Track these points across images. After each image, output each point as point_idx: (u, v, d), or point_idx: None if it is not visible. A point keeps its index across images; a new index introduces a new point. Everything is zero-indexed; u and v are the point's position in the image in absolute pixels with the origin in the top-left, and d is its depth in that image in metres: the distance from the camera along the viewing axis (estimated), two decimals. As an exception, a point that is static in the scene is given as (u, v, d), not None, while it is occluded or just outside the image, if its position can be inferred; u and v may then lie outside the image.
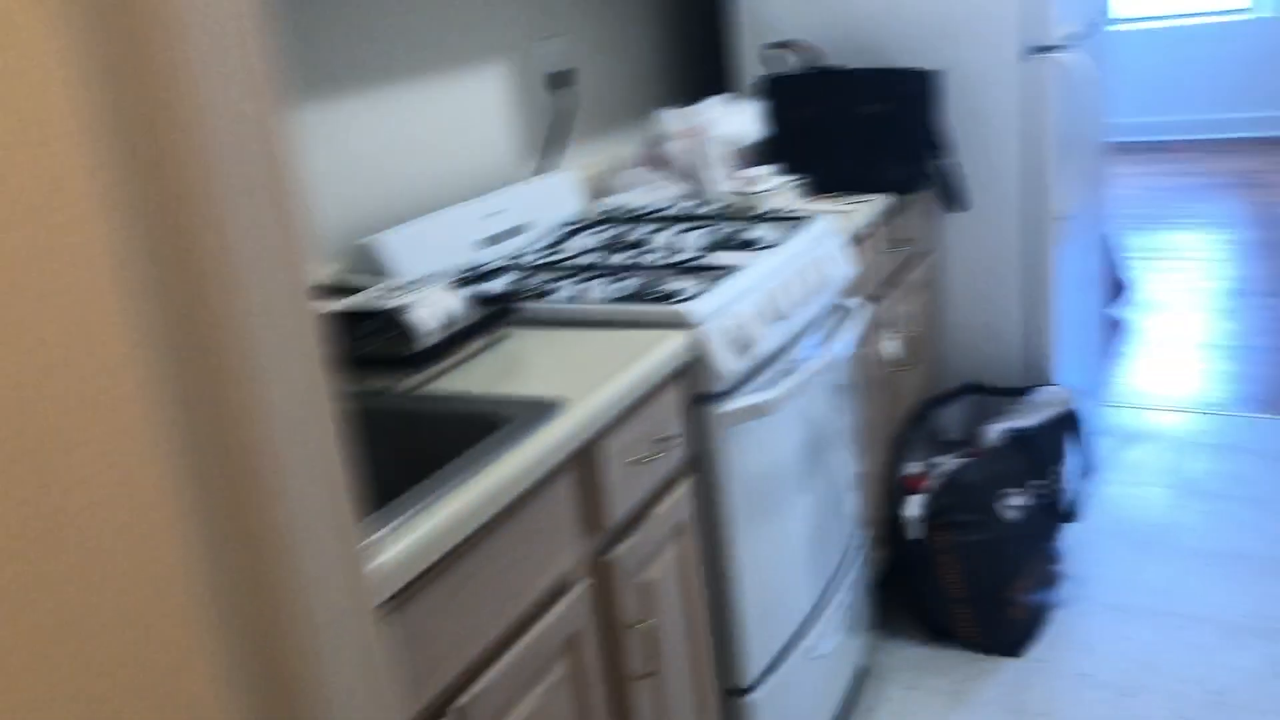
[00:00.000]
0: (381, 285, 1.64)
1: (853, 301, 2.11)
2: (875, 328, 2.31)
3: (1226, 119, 6.43)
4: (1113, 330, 3.89)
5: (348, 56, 1.85)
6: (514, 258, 1.98)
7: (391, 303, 1.53)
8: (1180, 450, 3.07)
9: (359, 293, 1.62)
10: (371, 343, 1.53)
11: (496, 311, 1.61)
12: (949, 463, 2.42)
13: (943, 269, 2.65)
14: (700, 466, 1.64)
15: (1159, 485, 2.90)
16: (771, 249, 1.88)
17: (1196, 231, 4.97)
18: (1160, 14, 6.54)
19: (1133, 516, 2.76)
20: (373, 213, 1.91)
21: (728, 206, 2.21)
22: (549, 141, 2.36)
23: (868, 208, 2.25)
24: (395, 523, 1.07)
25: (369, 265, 1.81)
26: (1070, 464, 2.52)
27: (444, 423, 1.37)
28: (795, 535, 1.90)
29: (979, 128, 2.50)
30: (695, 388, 1.60)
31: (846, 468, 2.14)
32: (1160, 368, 3.61)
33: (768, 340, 1.73)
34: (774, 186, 2.24)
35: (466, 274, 1.87)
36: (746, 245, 1.93)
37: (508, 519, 1.21)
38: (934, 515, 2.30)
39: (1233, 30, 6.36)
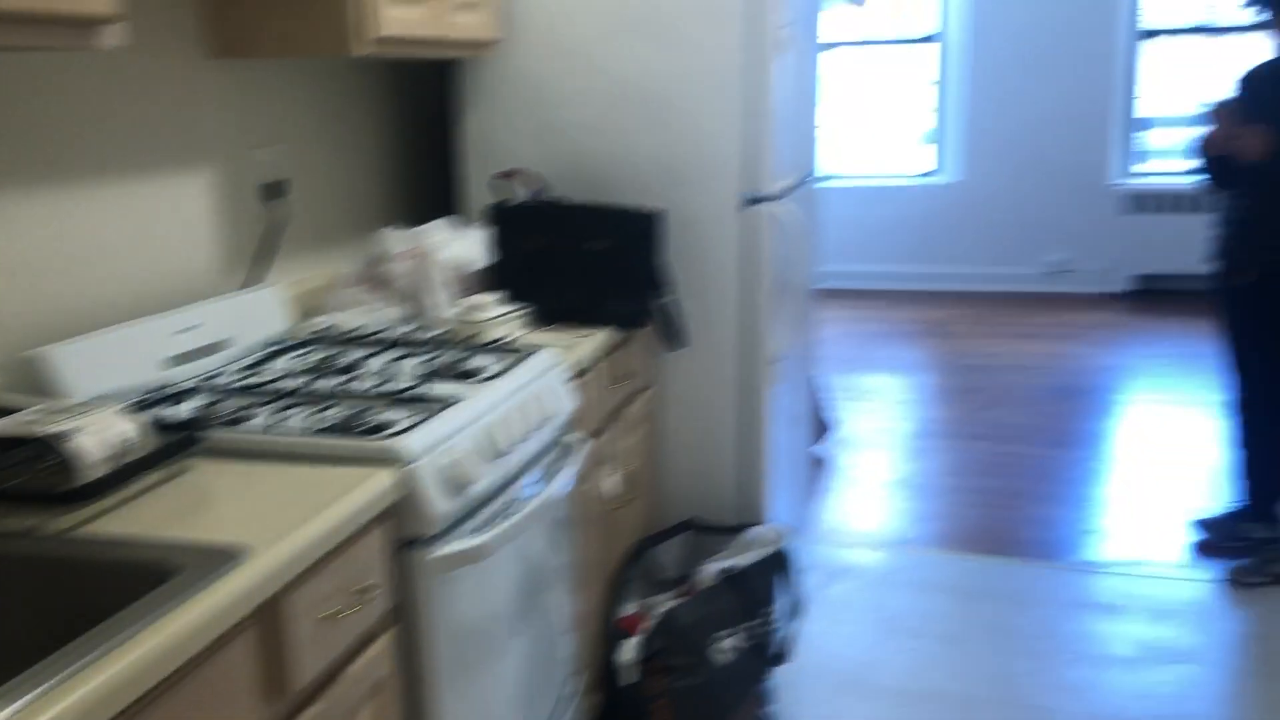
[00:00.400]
0: (43, 407, 1.42)
1: (574, 436, 2.06)
2: (595, 463, 2.27)
3: (919, 272, 7.03)
4: (817, 468, 4.05)
5: (7, 150, 1.65)
6: (207, 379, 1.80)
7: (50, 428, 1.33)
8: (880, 587, 3.19)
9: (12, 415, 1.39)
10: (20, 474, 1.31)
11: (178, 440, 1.43)
12: (665, 603, 2.39)
13: (662, 405, 2.66)
14: (403, 617, 1.51)
15: (861, 623, 2.99)
16: (493, 380, 1.81)
17: (892, 375, 5.33)
18: (863, 173, 7.14)
19: (837, 655, 2.82)
20: (42, 323, 1.68)
21: (449, 333, 2.13)
22: (258, 254, 2.20)
23: (591, 341, 2.22)
24: (22, 700, 0.88)
25: (33, 383, 1.59)
26: (781, 604, 2.54)
27: (101, 572, 1.18)
28: (506, 686, 1.78)
29: (700, 269, 2.56)
30: (402, 531, 1.48)
31: (562, 610, 2.05)
32: (860, 505, 3.78)
33: (485, 479, 1.64)
34: (498, 315, 2.18)
35: (149, 396, 1.67)
36: (467, 375, 1.84)
37: (171, 689, 1.03)
38: (648, 659, 2.24)
39: (924, 191, 7.02)
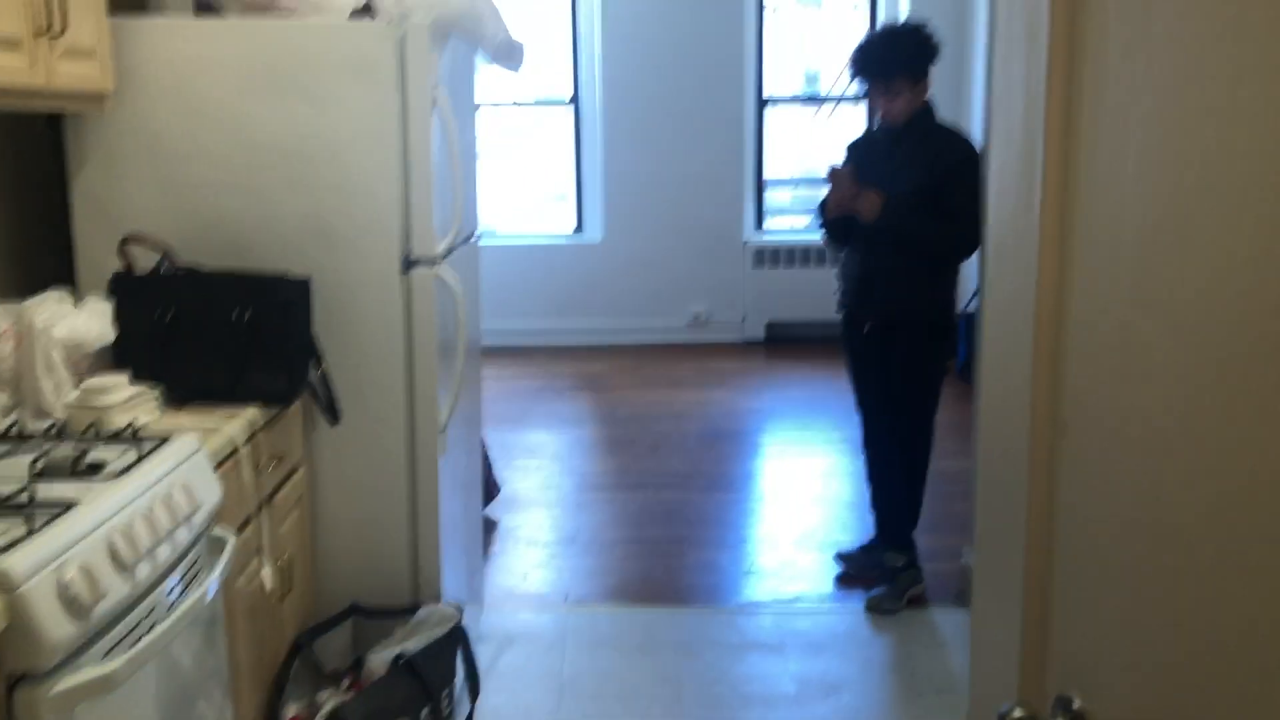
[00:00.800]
0: None
1: (219, 530, 1.86)
2: (246, 556, 2.06)
3: (573, 327, 7.17)
4: (487, 531, 3.97)
5: None
6: None
7: None
8: (555, 650, 3.15)
9: None
10: None
11: None
12: (332, 699, 2.21)
13: (319, 485, 2.49)
14: (17, 771, 1.27)
15: (539, 690, 2.93)
16: (120, 476, 1.59)
17: (552, 431, 5.37)
18: (514, 231, 7.20)
19: (517, 726, 2.74)
20: None
21: (65, 424, 1.86)
22: None
23: (235, 422, 2.03)
24: None
25: None
26: (460, 682, 2.43)
27: None
28: (150, 828, 1.55)
29: (359, 337, 2.42)
30: (12, 666, 1.25)
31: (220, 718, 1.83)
32: (529, 566, 3.74)
33: (114, 593, 1.43)
34: (125, 398, 1.94)
35: None
36: (88, 472, 1.61)
37: None
38: (317, 764, 2.06)
39: (567, 249, 7.18)
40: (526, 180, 7.51)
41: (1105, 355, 0.84)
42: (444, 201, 2.55)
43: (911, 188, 3.26)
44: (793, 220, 7.46)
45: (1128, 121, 0.79)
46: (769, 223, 7.33)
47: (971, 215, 3.24)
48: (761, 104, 7.18)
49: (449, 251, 2.57)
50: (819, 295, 6.90)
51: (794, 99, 7.41)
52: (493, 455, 4.39)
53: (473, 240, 3.02)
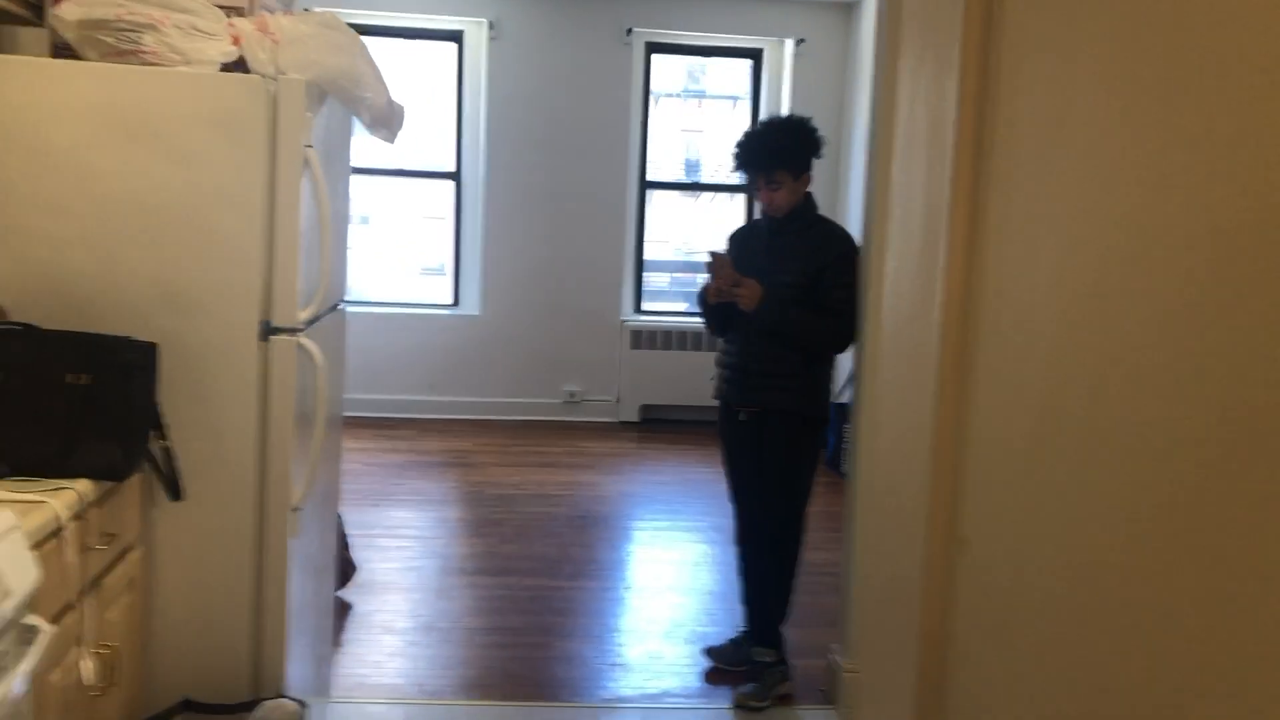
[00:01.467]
0: None
1: (36, 618, 1.67)
2: (65, 645, 1.86)
3: (441, 400, 6.99)
4: (340, 616, 3.76)
5: None
6: None
7: None
8: (406, 747, 2.96)
9: None
10: None
11: None
12: (153, 808, 2.00)
13: (156, 567, 2.29)
14: None
15: (386, 791, 2.73)
16: (-86, 560, 1.40)
17: (415, 509, 5.17)
18: (380, 299, 7.02)
19: (360, 834, 2.54)
20: None
21: None
22: None
23: (62, 497, 1.85)
24: None
25: None
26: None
27: None
28: None
29: (209, 407, 2.25)
30: None
31: (9, 844, 1.62)
32: (383, 655, 3.54)
33: (-109, 696, 1.24)
34: (-67, 467, 1.74)
35: None
36: (-123, 553, 1.42)
37: None
38: None
39: (443, 321, 7.04)
40: (403, 251, 7.37)
41: (1011, 474, 0.79)
42: (310, 268, 2.42)
43: (790, 279, 3.26)
44: (671, 304, 7.49)
45: (1040, 227, 0.75)
46: (647, 305, 7.33)
47: (849, 309, 3.27)
48: (644, 187, 7.23)
49: (313, 320, 2.43)
50: (695, 380, 6.93)
51: (676, 185, 7.49)
52: (350, 534, 4.19)
53: (338, 308, 2.88)
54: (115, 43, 2.23)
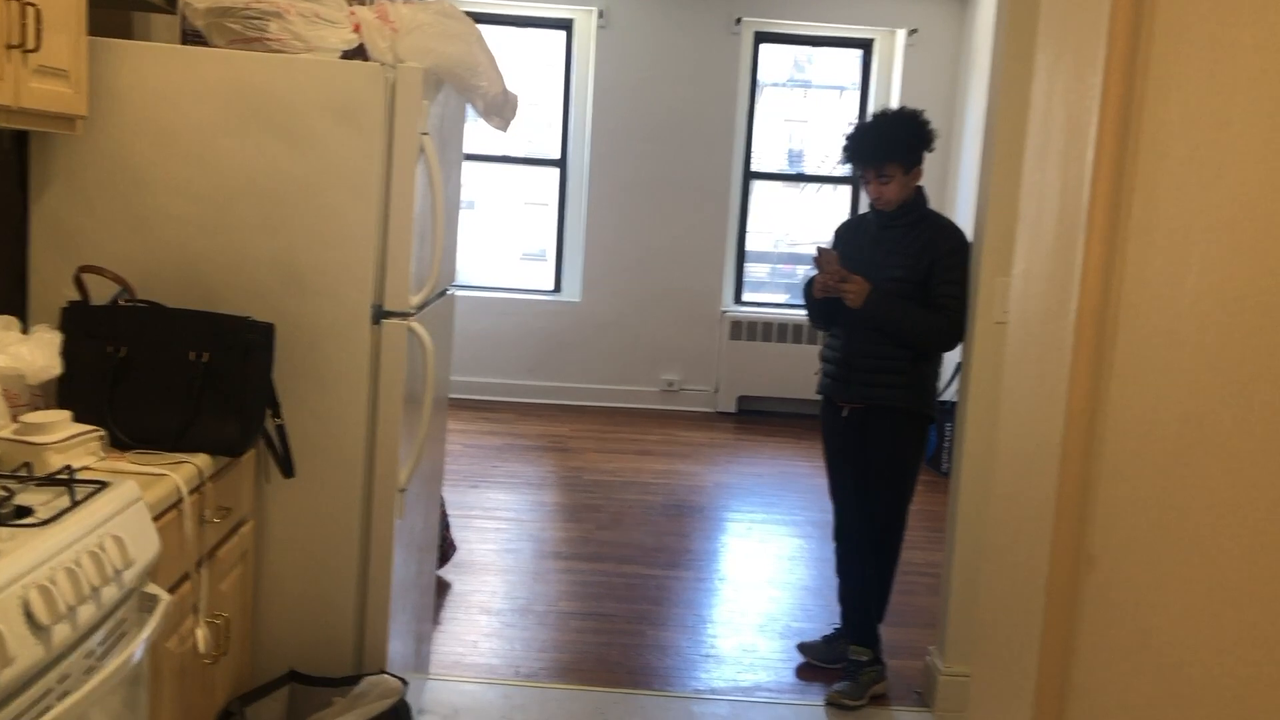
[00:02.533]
0: None
1: (153, 586, 1.73)
2: (181, 614, 1.93)
3: (542, 385, 7.06)
4: (439, 595, 3.83)
5: None
6: None
7: None
8: (500, 727, 3.00)
9: None
10: None
11: None
12: (259, 774, 2.06)
13: (265, 542, 2.35)
14: None
15: (481, 770, 2.78)
16: (47, 524, 1.46)
17: (512, 491, 5.23)
18: (483, 284, 7.12)
19: (455, 811, 2.59)
20: None
21: (-5, 461, 1.73)
22: None
23: (182, 471, 1.91)
24: None
25: None
26: (395, 763, 2.29)
27: None
28: None
29: (322, 389, 2.31)
30: (-104, 741, 1.12)
31: (127, 803, 1.69)
32: (479, 636, 3.59)
33: (25, 656, 1.30)
34: (66, 437, 1.82)
35: None
36: (14, 516, 1.48)
37: None
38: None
39: (544, 306, 7.10)
40: (508, 236, 7.45)
41: (1147, 490, 0.76)
42: (422, 253, 2.46)
43: (898, 274, 3.20)
44: (772, 295, 7.43)
45: (1191, 233, 0.72)
46: (748, 295, 7.29)
47: (958, 306, 3.20)
48: (748, 177, 7.18)
49: (424, 305, 2.47)
50: (794, 372, 6.87)
51: (779, 175, 7.42)
52: (450, 514, 4.26)
53: (447, 294, 2.92)
54: (242, 29, 2.29)
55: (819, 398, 3.46)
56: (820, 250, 3.24)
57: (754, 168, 7.20)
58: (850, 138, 3.28)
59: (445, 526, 4.00)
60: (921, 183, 3.30)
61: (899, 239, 3.25)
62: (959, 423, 3.28)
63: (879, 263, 3.24)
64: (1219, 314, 0.68)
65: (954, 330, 3.19)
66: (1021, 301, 1.04)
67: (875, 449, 3.29)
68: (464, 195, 7.06)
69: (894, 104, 6.70)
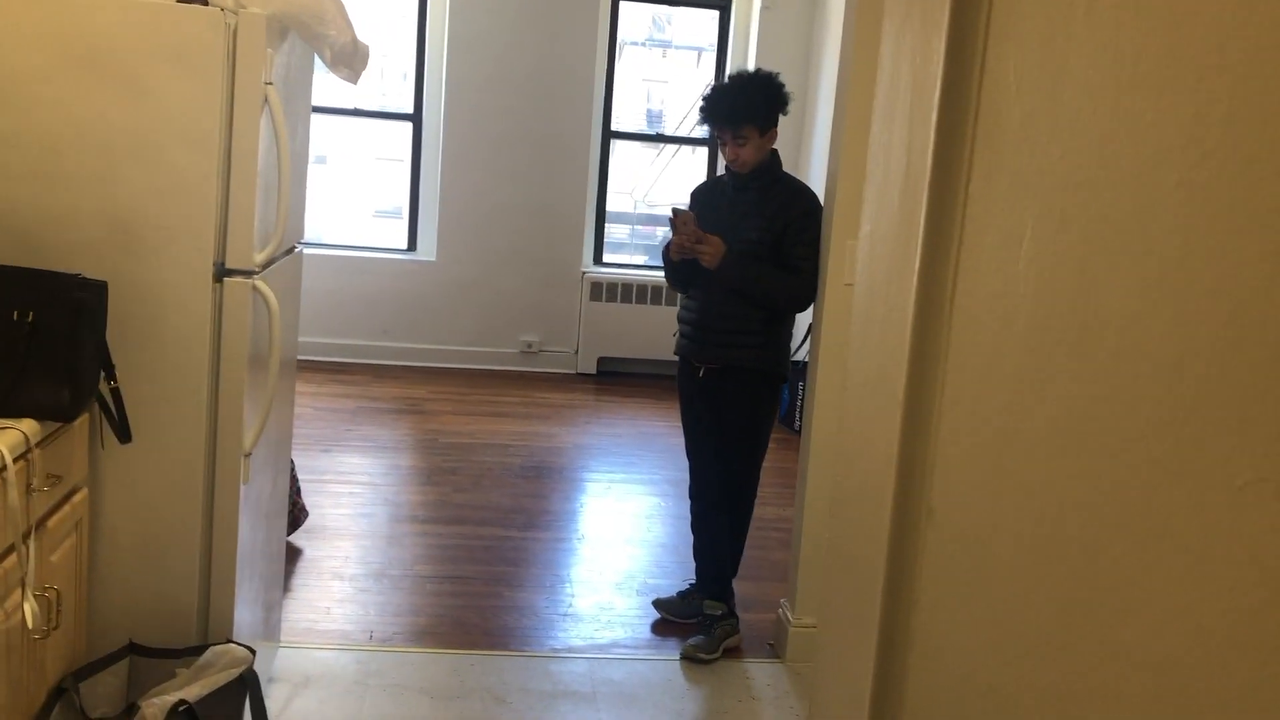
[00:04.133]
0: None
1: (-24, 561, 1.63)
2: (7, 588, 1.83)
3: (396, 347, 6.93)
4: (289, 562, 3.73)
5: None
6: None
7: None
8: (354, 694, 2.96)
9: None
10: None
11: None
12: (97, 752, 1.98)
13: (102, 510, 2.24)
14: None
15: (334, 737, 2.73)
16: None
17: (368, 455, 5.14)
18: (335, 242, 6.93)
19: (307, 779, 2.54)
20: None
21: None
22: None
23: (7, 437, 1.80)
24: None
25: None
26: (244, 734, 2.23)
27: None
28: None
29: (160, 350, 2.20)
30: None
31: (-51, 788, 1.59)
32: (330, 602, 3.53)
33: None
34: None
35: None
36: None
37: None
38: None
39: (399, 266, 6.95)
40: (360, 193, 7.26)
41: (983, 448, 0.78)
42: (267, 209, 2.37)
43: (754, 236, 3.25)
44: (632, 256, 7.46)
45: (1024, 200, 0.74)
46: (608, 257, 7.29)
47: (811, 268, 3.27)
48: (608, 136, 7.16)
49: (269, 263, 2.38)
50: (653, 333, 6.93)
51: (639, 135, 7.43)
52: (301, 479, 4.15)
53: (295, 251, 2.82)
54: (66, -33, 2.14)
55: (676, 359, 3.49)
56: (676, 211, 3.25)
57: (614, 127, 7.17)
58: (707, 99, 3.30)
59: (296, 492, 3.90)
60: (776, 146, 3.34)
61: (754, 201, 3.29)
62: (810, 382, 3.36)
63: (734, 225, 3.28)
64: (1050, 277, 0.71)
65: (807, 291, 3.26)
66: (868, 263, 1.06)
67: (730, 409, 3.35)
68: (314, 150, 6.84)
69: (750, 66, 6.78)
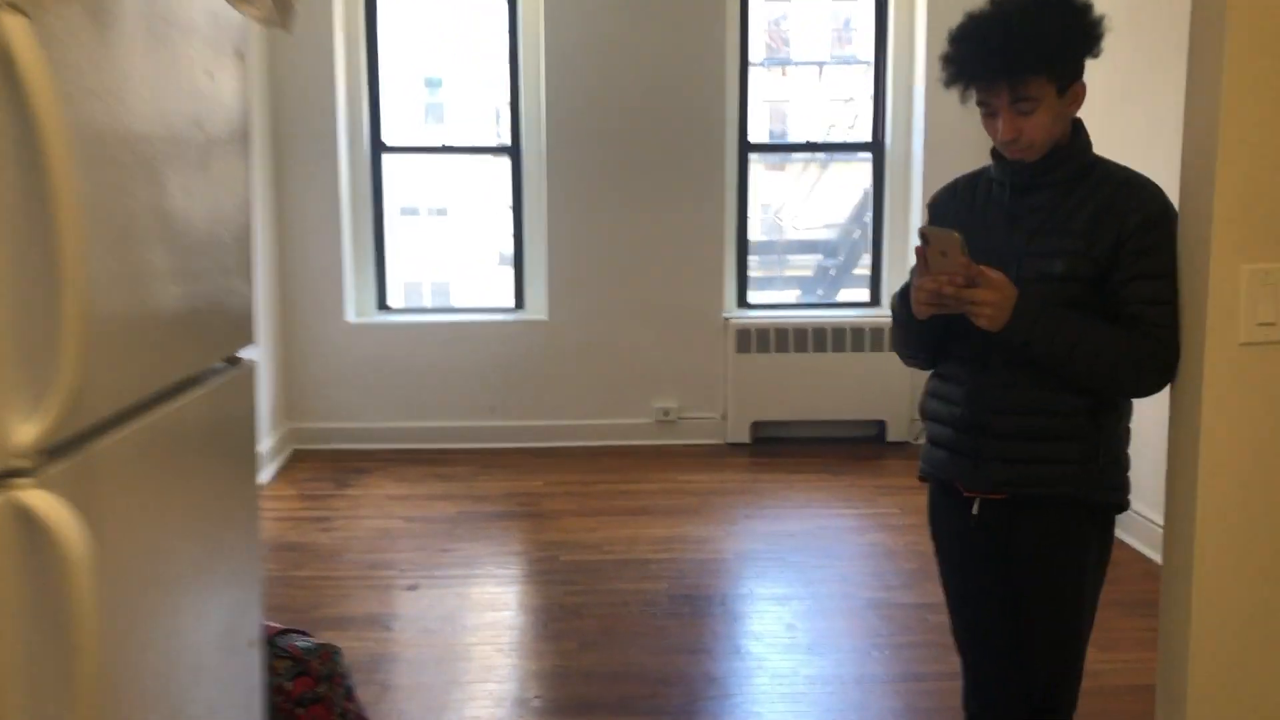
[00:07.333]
0: None
1: None
2: None
3: (502, 427, 5.71)
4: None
5: None
6: None
7: None
8: None
9: None
10: None
11: None
12: None
13: None
14: None
15: None
16: None
17: (463, 591, 3.88)
18: (434, 306, 5.76)
19: None
20: None
21: None
22: None
23: None
24: None
25: None
26: None
27: None
28: None
29: None
30: None
31: None
32: None
33: None
34: None
35: None
36: None
37: None
38: None
39: (504, 329, 5.74)
40: (450, 242, 6.09)
41: None
42: (28, 314, 1.08)
43: (1059, 269, 1.87)
44: (782, 293, 6.09)
45: None
46: (754, 297, 5.91)
47: (1169, 318, 1.84)
48: (744, 150, 5.80)
49: (71, 441, 1.09)
50: (815, 388, 5.53)
51: (785, 145, 6.07)
52: (383, 633, 2.88)
53: (222, 372, 1.54)
54: None
55: (922, 477, 2.11)
56: (928, 234, 1.88)
57: (750, 139, 5.82)
58: (960, 39, 1.92)
59: (345, 696, 2.63)
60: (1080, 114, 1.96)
61: (1053, 208, 1.91)
62: (1177, 509, 1.92)
63: (1019, 251, 1.90)
64: None
65: (1164, 357, 1.84)
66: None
67: (1033, 567, 1.95)
68: (414, 198, 5.68)
69: (919, 73, 5.35)
